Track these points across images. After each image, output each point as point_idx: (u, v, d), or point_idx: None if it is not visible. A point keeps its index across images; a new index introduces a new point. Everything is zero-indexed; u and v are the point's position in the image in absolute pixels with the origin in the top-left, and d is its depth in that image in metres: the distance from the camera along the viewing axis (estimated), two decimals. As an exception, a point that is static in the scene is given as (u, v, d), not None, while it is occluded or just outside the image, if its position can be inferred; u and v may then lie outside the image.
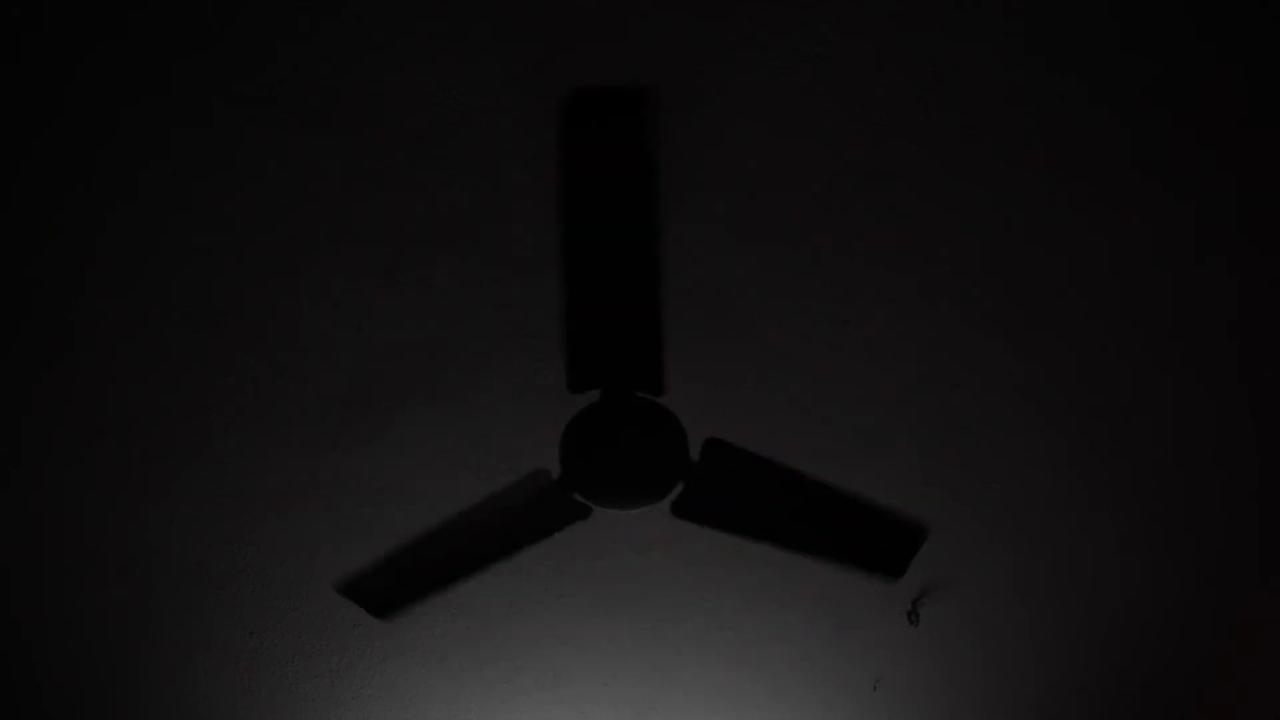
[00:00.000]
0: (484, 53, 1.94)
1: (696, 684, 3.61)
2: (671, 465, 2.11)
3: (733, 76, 1.99)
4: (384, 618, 2.49)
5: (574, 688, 3.59)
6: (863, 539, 2.33)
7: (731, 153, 2.11)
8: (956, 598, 3.31)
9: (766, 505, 2.25)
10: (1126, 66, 2.01)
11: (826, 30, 1.93)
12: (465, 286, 2.35)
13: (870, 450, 2.80)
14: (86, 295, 2.31)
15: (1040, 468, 2.87)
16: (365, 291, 2.35)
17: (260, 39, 1.90)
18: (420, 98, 2.00)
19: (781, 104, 2.04)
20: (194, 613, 3.15)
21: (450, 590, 2.80)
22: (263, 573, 3.04)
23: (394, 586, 2.42)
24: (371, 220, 2.22)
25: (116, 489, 2.75)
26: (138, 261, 2.25)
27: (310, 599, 3.14)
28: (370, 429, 2.66)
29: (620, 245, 1.79)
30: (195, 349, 2.44)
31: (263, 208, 2.17)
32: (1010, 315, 2.47)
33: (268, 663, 3.36)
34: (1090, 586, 3.30)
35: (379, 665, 3.41)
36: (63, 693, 3.41)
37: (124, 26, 1.86)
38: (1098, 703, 3.83)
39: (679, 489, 2.18)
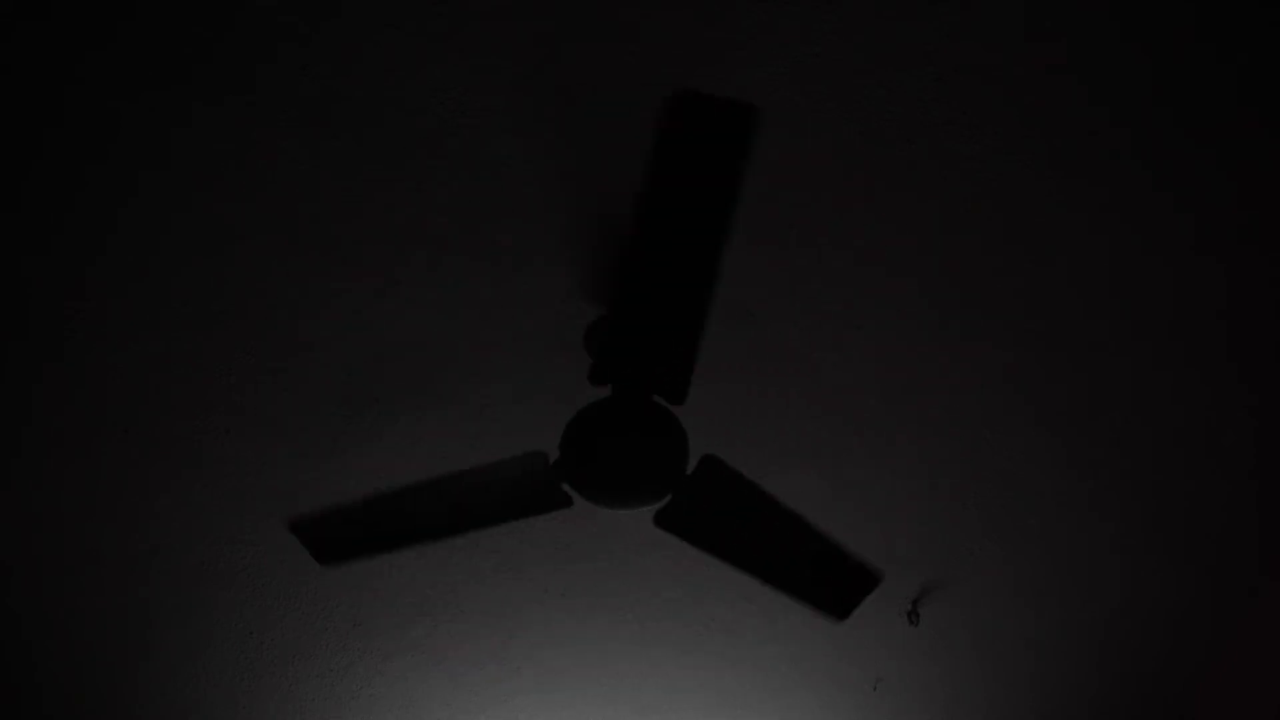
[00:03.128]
0: (484, 53, 1.94)
1: (696, 684, 3.61)
2: (668, 473, 2.10)
3: (732, 76, 1.99)
4: (326, 563, 2.38)
5: (574, 688, 3.59)
6: (820, 577, 2.39)
7: (731, 153, 2.11)
8: (956, 598, 3.31)
9: (741, 529, 2.28)
10: (1126, 66, 2.01)
11: (826, 30, 1.93)
12: (465, 286, 2.35)
13: (870, 450, 2.80)
14: (87, 295, 2.31)
15: (1040, 468, 2.87)
16: (365, 291, 2.35)
17: (260, 39, 1.90)
18: (420, 98, 2.00)
19: (781, 104, 2.04)
20: (194, 613, 3.15)
21: (407, 548, 2.55)
22: (263, 573, 3.04)
23: (349, 533, 2.32)
24: (371, 220, 2.22)
25: (116, 489, 2.75)
26: (138, 261, 2.25)
27: (310, 599, 3.14)
28: (370, 429, 2.66)
29: (688, 253, 1.79)
30: (195, 349, 2.44)
31: (262, 208, 2.18)
32: (1010, 315, 2.47)
33: (268, 663, 3.36)
34: (1090, 586, 3.30)
35: (379, 665, 3.41)
36: (63, 693, 3.41)
37: (124, 27, 1.86)
38: (1098, 703, 3.83)
39: (667, 499, 2.18)
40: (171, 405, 2.56)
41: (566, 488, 2.16)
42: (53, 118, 1.99)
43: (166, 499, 2.79)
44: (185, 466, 2.71)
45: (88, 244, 2.21)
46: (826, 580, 2.40)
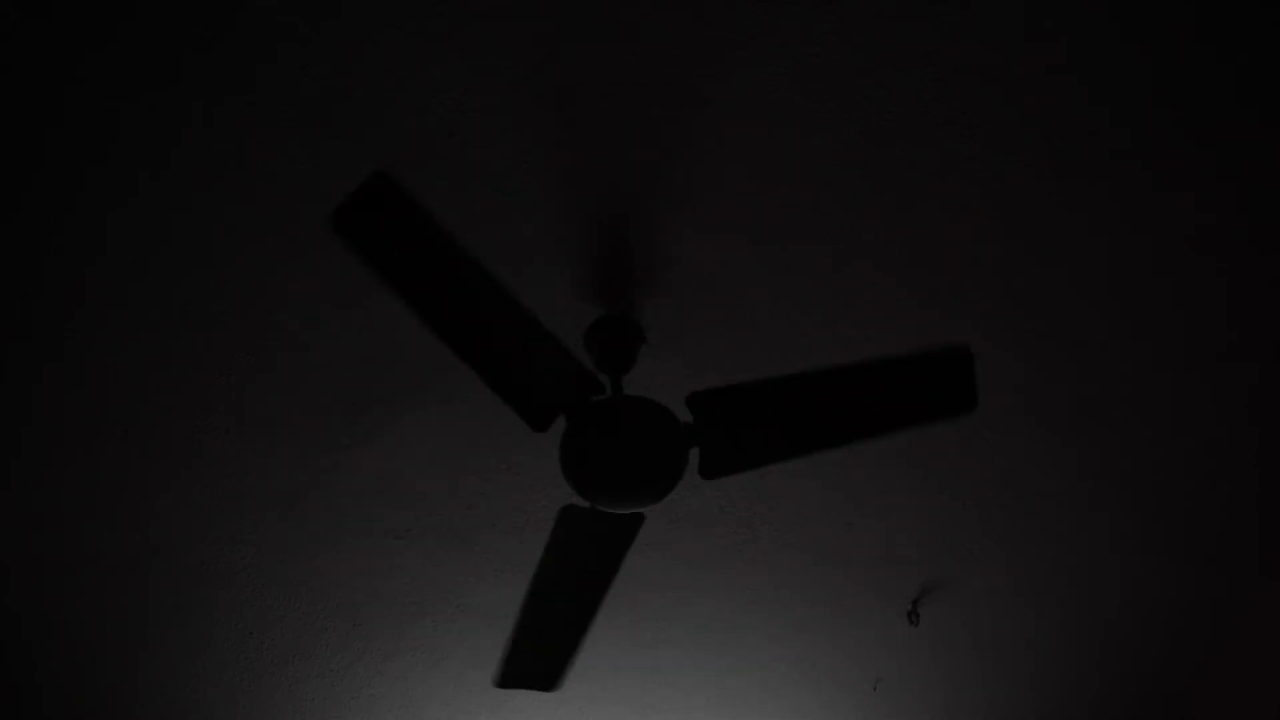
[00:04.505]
0: (484, 53, 1.94)
1: (696, 684, 3.61)
2: (667, 474, 2.11)
3: (732, 76, 1.99)
4: (555, 688, 2.70)
5: (574, 688, 3.59)
6: (916, 390, 2.11)
7: (731, 152, 2.11)
8: (956, 598, 3.31)
9: (792, 418, 2.10)
10: (1126, 66, 2.01)
11: (826, 30, 1.93)
12: (465, 286, 2.35)
13: (870, 450, 2.80)
14: (87, 295, 2.31)
15: (1040, 468, 2.87)
16: (365, 291, 2.35)
17: (260, 39, 1.90)
18: (420, 98, 2.00)
19: (781, 104, 2.04)
20: (194, 613, 3.15)
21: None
22: (263, 573, 3.04)
23: (543, 661, 2.59)
24: (371, 220, 2.22)
25: (116, 489, 2.75)
26: (138, 262, 2.25)
27: (310, 599, 3.14)
28: (370, 429, 2.66)
29: (474, 301, 1.87)
30: (195, 349, 2.44)
31: (263, 208, 2.17)
32: (1010, 315, 2.47)
33: (268, 663, 3.36)
34: (1090, 586, 3.30)
35: (379, 665, 3.41)
36: (63, 693, 3.41)
37: (124, 27, 1.86)
38: (1098, 703, 3.83)
39: (695, 455, 2.16)
40: (171, 405, 2.56)
41: (595, 505, 2.22)
42: (53, 118, 1.99)
43: (166, 499, 2.79)
44: (185, 466, 2.71)
45: (88, 244, 2.21)
46: (925, 388, 2.10)
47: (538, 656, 2.59)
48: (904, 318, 2.46)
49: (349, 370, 2.51)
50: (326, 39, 1.91)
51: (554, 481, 2.82)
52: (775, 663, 3.53)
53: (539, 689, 2.69)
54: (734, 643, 3.44)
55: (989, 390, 2.63)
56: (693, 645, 3.44)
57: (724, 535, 3.04)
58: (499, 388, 2.02)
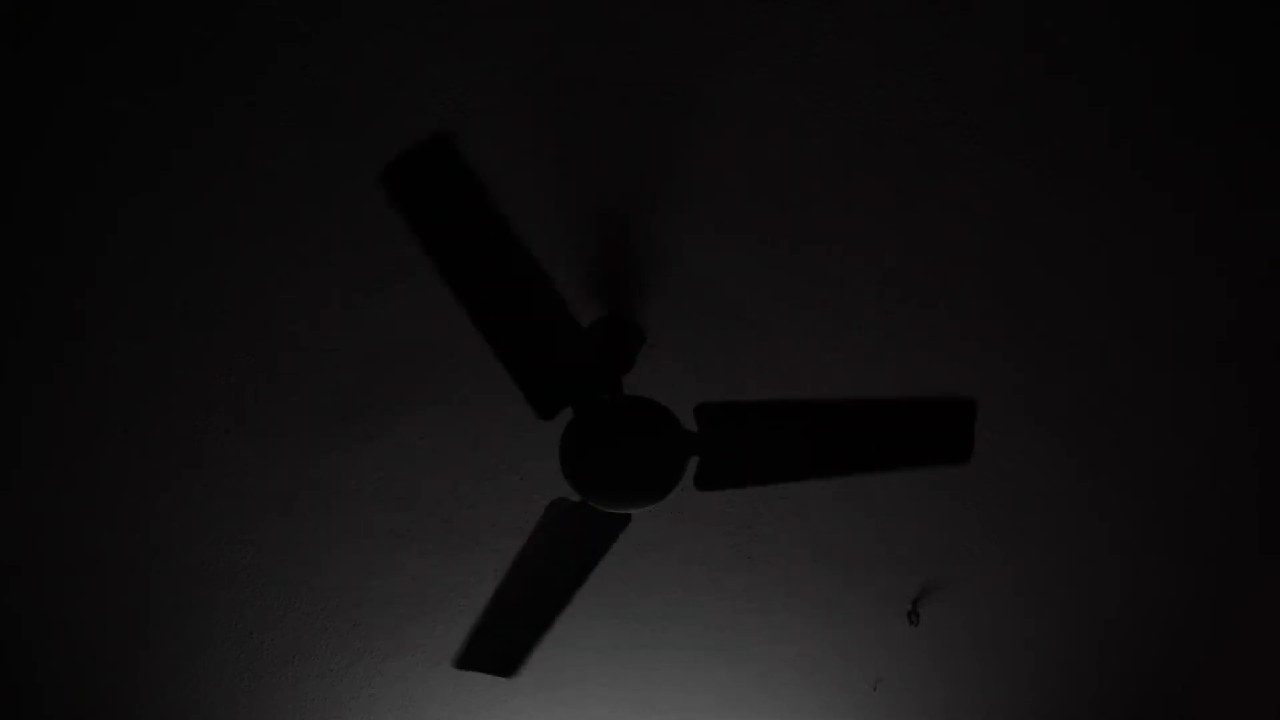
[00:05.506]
0: (484, 53, 1.94)
1: (696, 684, 3.61)
2: (667, 473, 2.11)
3: (732, 76, 1.99)
4: (512, 674, 2.67)
5: (574, 688, 3.59)
6: (916, 435, 2.16)
7: (731, 152, 2.12)
8: (956, 598, 3.31)
9: (790, 444, 2.13)
10: (1126, 66, 2.01)
11: (826, 30, 1.93)
12: (465, 286, 2.35)
13: (870, 450, 2.80)
14: (87, 295, 2.31)
15: (1040, 468, 2.87)
16: (365, 291, 2.35)
17: (260, 39, 1.90)
18: (420, 98, 2.00)
19: (781, 104, 2.04)
20: (194, 613, 3.15)
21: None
22: (263, 573, 3.04)
23: (506, 643, 2.57)
24: (371, 220, 2.21)
25: (116, 489, 2.75)
26: (139, 262, 2.25)
27: (310, 599, 3.14)
28: (370, 429, 2.66)
29: (504, 278, 1.83)
30: (195, 349, 2.44)
31: (263, 208, 2.18)
32: (1010, 315, 2.47)
33: (268, 663, 3.36)
34: (1090, 587, 3.30)
35: (379, 665, 3.41)
36: (63, 693, 3.41)
37: (124, 27, 1.86)
38: (1098, 703, 3.83)
39: (694, 464, 2.17)
40: (171, 405, 2.56)
41: (591, 503, 2.21)
42: (53, 118, 1.99)
43: (166, 499, 2.80)
44: (185, 466, 2.71)
45: (88, 244, 2.21)
46: (924, 433, 2.15)
47: (501, 642, 2.59)
48: (904, 318, 2.46)
49: (349, 370, 2.51)
50: (326, 39, 1.91)
51: (554, 482, 2.82)
52: (775, 663, 3.53)
53: (497, 674, 2.68)
54: (734, 643, 3.44)
55: (989, 390, 2.64)
56: (693, 645, 3.44)
57: (724, 535, 3.04)
58: (514, 368, 1.99)
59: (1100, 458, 2.85)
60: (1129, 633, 3.51)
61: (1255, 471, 2.92)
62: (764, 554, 3.11)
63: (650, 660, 3.49)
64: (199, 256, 2.25)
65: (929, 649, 3.53)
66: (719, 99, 2.02)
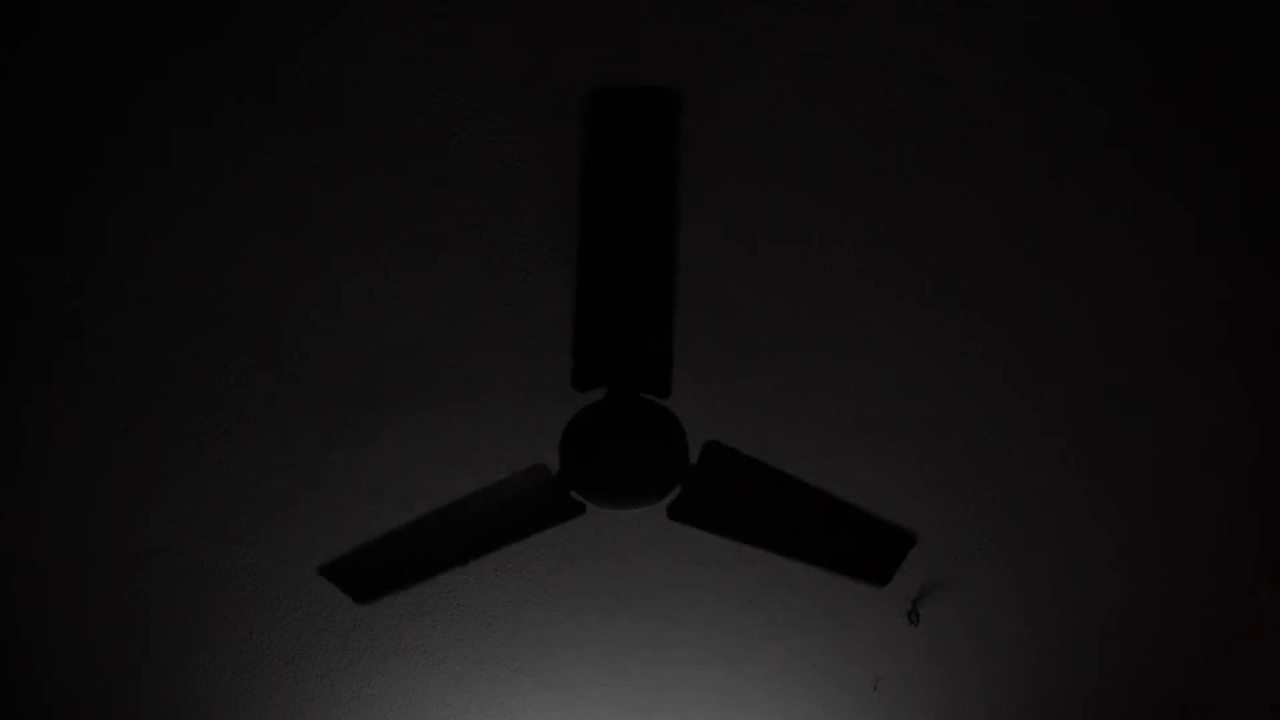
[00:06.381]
0: (484, 53, 1.94)
1: (696, 684, 3.61)
2: (671, 469, 2.11)
3: (733, 76, 1.99)
4: (363, 601, 2.45)
5: (574, 688, 3.59)
6: (853, 545, 2.36)
7: (731, 152, 2.12)
8: (956, 598, 3.31)
9: (761, 509, 2.26)
10: (1126, 66, 2.01)
11: (826, 30, 1.93)
12: (465, 286, 2.35)
13: (870, 450, 2.80)
14: (87, 295, 2.31)
15: (1040, 468, 2.87)
16: (364, 291, 2.35)
17: (261, 39, 1.90)
18: (420, 98, 2.00)
19: (781, 104, 2.04)
20: (194, 613, 3.15)
21: (433, 579, 2.68)
22: (263, 573, 3.04)
23: (377, 571, 2.41)
24: (371, 220, 2.22)
25: (116, 489, 2.75)
26: (139, 261, 2.25)
27: (310, 599, 3.14)
28: (370, 429, 2.66)
29: (639, 246, 1.78)
30: (195, 349, 2.44)
31: (263, 208, 2.18)
32: (1010, 315, 2.47)
33: (268, 663, 3.36)
34: (1090, 587, 3.30)
35: (379, 665, 3.41)
36: (63, 692, 3.41)
37: (125, 27, 1.86)
38: (1097, 703, 3.83)
39: (676, 491, 2.18)
40: (171, 405, 2.56)
41: (576, 495, 2.17)
42: (53, 118, 1.99)
43: (166, 499, 2.79)
44: (185, 466, 2.71)
45: (88, 244, 2.21)
46: (862, 548, 2.36)
47: (376, 567, 2.42)
48: (905, 318, 2.46)
49: (349, 370, 2.51)
50: (326, 39, 1.91)
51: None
52: (775, 663, 3.53)
53: (350, 595, 2.49)
54: (734, 643, 3.44)
55: (989, 390, 2.64)
56: (693, 645, 3.44)
57: (723, 535, 3.03)
58: (585, 324, 1.91)
59: (1100, 458, 2.84)
60: (1129, 633, 3.51)
61: (1255, 472, 2.92)
62: (764, 554, 3.10)
63: (650, 661, 3.49)
64: (199, 256, 2.25)
65: (929, 649, 3.52)
66: (719, 99, 2.02)
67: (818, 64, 1.98)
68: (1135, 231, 2.31)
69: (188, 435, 2.63)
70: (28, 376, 2.46)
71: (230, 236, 2.22)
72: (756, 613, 3.32)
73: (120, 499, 2.78)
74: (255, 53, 1.92)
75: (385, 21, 1.88)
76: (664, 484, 2.12)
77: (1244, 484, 2.96)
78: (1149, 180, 2.21)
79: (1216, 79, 2.03)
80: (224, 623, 3.20)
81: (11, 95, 1.95)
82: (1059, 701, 3.82)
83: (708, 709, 3.73)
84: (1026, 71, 2.00)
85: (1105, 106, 2.07)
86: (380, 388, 2.56)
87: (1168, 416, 2.74)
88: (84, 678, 3.37)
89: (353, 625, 3.24)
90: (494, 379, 2.56)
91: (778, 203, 2.22)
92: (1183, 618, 3.46)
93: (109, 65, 1.91)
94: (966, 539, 3.09)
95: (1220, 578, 3.30)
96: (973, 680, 3.69)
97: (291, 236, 2.23)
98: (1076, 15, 1.92)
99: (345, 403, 2.59)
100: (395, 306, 2.38)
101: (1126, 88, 2.04)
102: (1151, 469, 2.89)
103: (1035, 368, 2.59)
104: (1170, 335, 2.54)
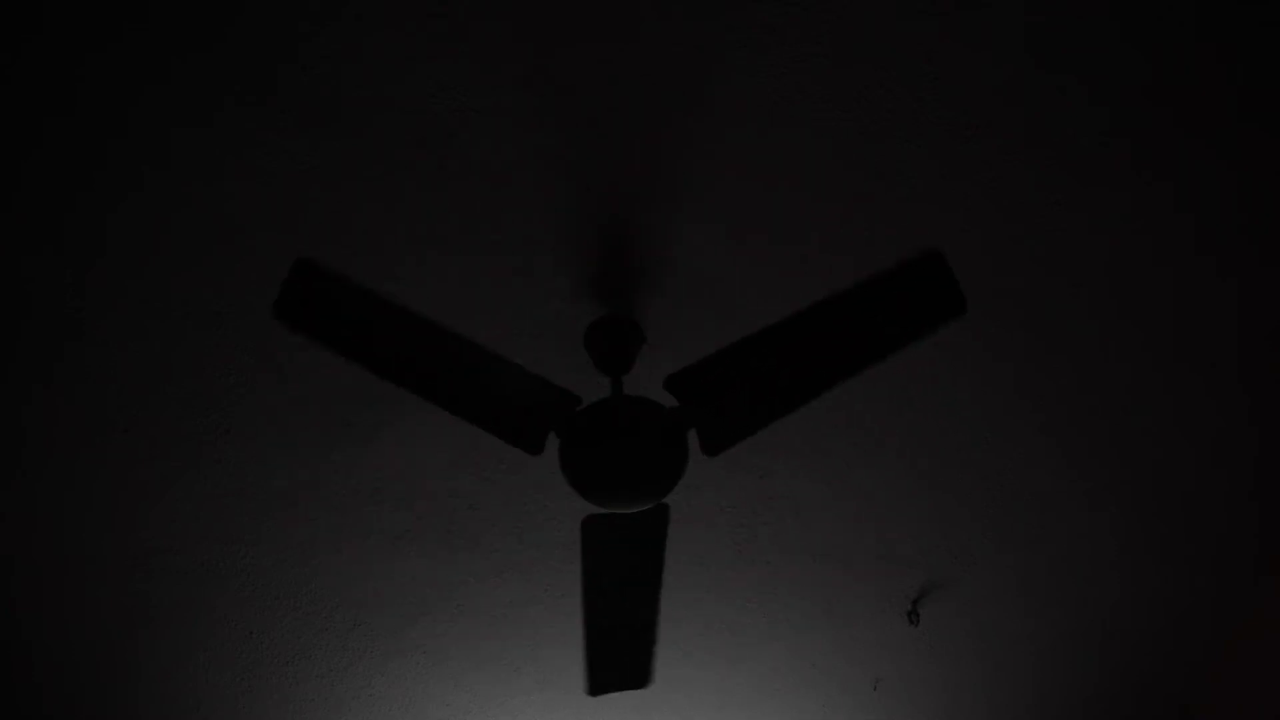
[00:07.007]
0: (484, 53, 1.94)
1: (696, 684, 3.61)
2: (667, 473, 2.13)
3: (732, 76, 1.99)
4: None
5: (574, 688, 3.59)
6: (900, 304, 1.94)
7: (731, 152, 2.12)
8: (956, 598, 3.31)
9: (778, 375, 2.02)
10: (1126, 66, 2.01)
11: (826, 30, 1.93)
12: (465, 286, 2.35)
13: (870, 450, 2.80)
14: (87, 295, 2.31)
15: (1040, 468, 2.87)
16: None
17: (261, 39, 1.90)
18: (420, 98, 2.00)
19: (781, 104, 2.04)
20: (194, 613, 3.15)
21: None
22: (263, 573, 3.04)
23: (624, 661, 2.58)
24: (371, 220, 2.22)
25: (116, 489, 2.75)
26: (138, 261, 2.25)
27: (310, 599, 3.14)
28: (370, 429, 2.66)
29: (429, 353, 1.94)
30: (195, 349, 2.44)
31: (263, 208, 2.18)
32: (1009, 315, 2.47)
33: (268, 663, 3.36)
34: (1090, 586, 3.30)
35: (379, 665, 3.41)
36: (63, 692, 3.41)
37: (125, 27, 1.86)
38: (1098, 703, 3.83)
39: (701, 436, 2.17)
40: (171, 405, 2.56)
41: (583, 498, 2.21)
42: (53, 117, 1.99)
43: (166, 499, 2.79)
44: (185, 466, 2.71)
45: (88, 244, 2.21)
46: (905, 299, 1.92)
47: (618, 659, 2.62)
48: (904, 318, 2.46)
49: (349, 370, 2.51)
50: (326, 39, 1.91)
51: (555, 482, 2.83)
52: (775, 663, 3.53)
53: (631, 688, 2.73)
54: (734, 643, 3.44)
55: (989, 390, 2.64)
56: (693, 645, 3.44)
57: (724, 535, 3.04)
58: (483, 424, 2.06)
59: (1100, 457, 2.85)
60: (1129, 632, 3.51)
61: (1255, 472, 2.92)
62: (764, 554, 3.11)
63: (650, 660, 3.49)
64: (199, 256, 2.25)
65: (929, 649, 3.52)
66: (719, 99, 2.02)
67: (818, 64, 1.98)
68: (1135, 231, 2.31)
69: (188, 435, 2.63)
70: (28, 376, 2.46)
71: (230, 236, 2.22)
72: (756, 613, 3.32)
73: (120, 499, 2.78)
74: (255, 53, 1.92)
75: (385, 21, 1.88)
76: (661, 486, 2.14)
77: (1244, 484, 2.96)
78: (1149, 180, 2.21)
79: (1216, 79, 2.03)
80: (224, 623, 3.20)
81: (11, 95, 1.95)
82: (1059, 701, 3.82)
83: (708, 709, 3.73)
84: (1026, 71, 2.00)
85: (1105, 106, 2.07)
86: (380, 388, 2.56)
87: (1168, 416, 2.74)
88: (84, 678, 3.37)
89: (353, 625, 3.24)
90: (494, 379, 2.56)
91: (778, 203, 2.22)
92: (1183, 618, 3.46)
93: (109, 65, 1.91)
94: (966, 539, 3.09)
95: (1220, 578, 3.31)
96: (973, 680, 3.69)
97: (291, 236, 2.23)
98: (1076, 15, 1.92)
99: (345, 403, 2.59)
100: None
101: (1126, 88, 2.04)
102: (1151, 469, 2.89)
103: (1035, 368, 2.59)
104: (1170, 335, 2.54)
